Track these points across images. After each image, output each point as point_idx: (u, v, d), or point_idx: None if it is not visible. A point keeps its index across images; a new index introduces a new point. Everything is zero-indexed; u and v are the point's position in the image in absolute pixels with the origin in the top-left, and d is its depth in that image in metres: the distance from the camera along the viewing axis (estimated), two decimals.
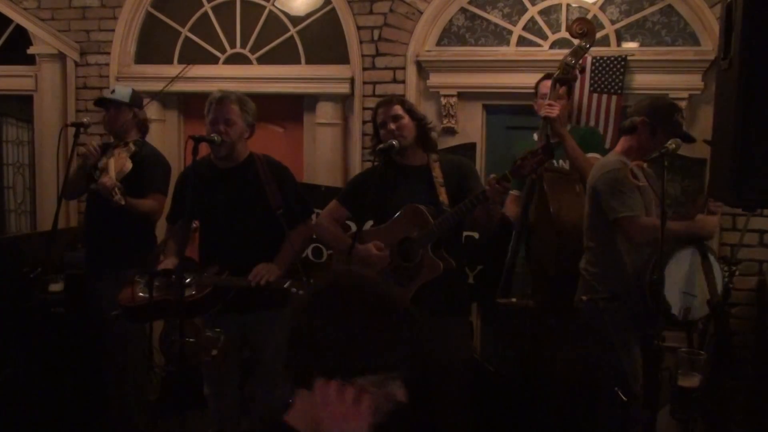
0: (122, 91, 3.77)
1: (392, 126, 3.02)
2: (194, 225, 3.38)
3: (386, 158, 3.05)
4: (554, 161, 3.54)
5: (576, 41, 3.53)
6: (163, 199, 3.66)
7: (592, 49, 3.63)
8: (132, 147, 3.63)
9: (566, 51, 4.06)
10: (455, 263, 2.97)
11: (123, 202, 3.33)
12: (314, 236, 3.47)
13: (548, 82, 3.64)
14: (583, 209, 3.15)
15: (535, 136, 3.70)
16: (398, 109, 3.03)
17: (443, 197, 2.97)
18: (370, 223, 3.20)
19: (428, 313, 2.95)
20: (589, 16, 4.08)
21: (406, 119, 3.03)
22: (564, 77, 3.46)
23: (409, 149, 3.06)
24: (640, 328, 2.99)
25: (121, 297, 3.18)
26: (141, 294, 3.10)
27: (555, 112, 3.39)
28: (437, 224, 2.90)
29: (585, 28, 3.49)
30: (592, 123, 3.93)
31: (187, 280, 3.08)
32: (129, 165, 3.52)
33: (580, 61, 3.59)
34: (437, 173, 3.02)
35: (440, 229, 2.90)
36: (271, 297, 3.20)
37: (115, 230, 3.56)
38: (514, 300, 3.32)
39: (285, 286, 3.00)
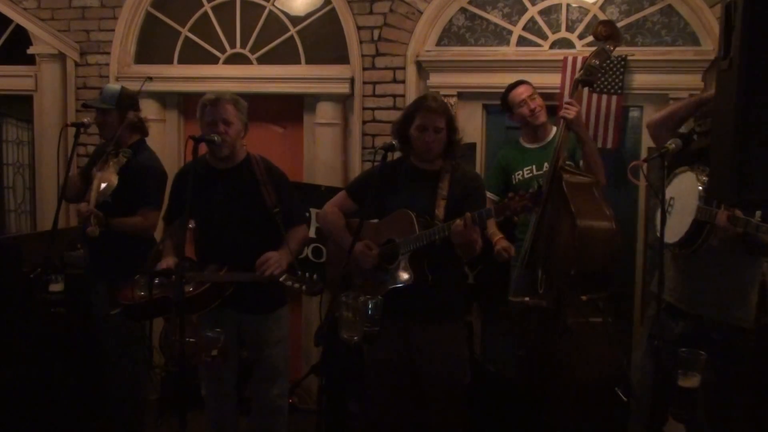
0: (109, 93, 3.62)
1: (431, 137, 2.94)
2: (191, 225, 3.38)
3: (401, 155, 3.03)
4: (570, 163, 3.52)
5: (602, 44, 3.50)
6: (156, 214, 3.58)
7: (591, 49, 3.63)
8: (122, 159, 3.54)
9: (566, 51, 4.08)
10: (443, 278, 2.93)
11: (96, 234, 3.32)
12: (318, 224, 3.45)
13: (521, 89, 3.63)
14: (602, 213, 3.13)
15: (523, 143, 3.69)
16: (442, 123, 2.95)
17: (439, 210, 2.93)
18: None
19: (422, 320, 2.97)
20: (589, 16, 4.08)
21: (443, 133, 2.96)
22: (587, 79, 3.44)
23: (427, 159, 3.03)
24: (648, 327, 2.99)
25: (121, 296, 3.19)
26: (140, 293, 3.11)
27: (572, 112, 3.35)
28: (416, 237, 2.87)
29: (610, 31, 3.48)
30: (592, 123, 3.92)
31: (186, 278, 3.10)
32: (114, 181, 3.46)
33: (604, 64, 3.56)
34: (443, 184, 2.97)
35: (417, 242, 2.87)
36: (269, 299, 3.21)
37: (114, 239, 3.51)
38: (527, 299, 3.30)
39: (281, 279, 3.02)
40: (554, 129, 3.69)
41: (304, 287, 2.99)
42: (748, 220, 2.49)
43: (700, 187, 2.68)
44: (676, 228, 2.72)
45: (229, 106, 3.13)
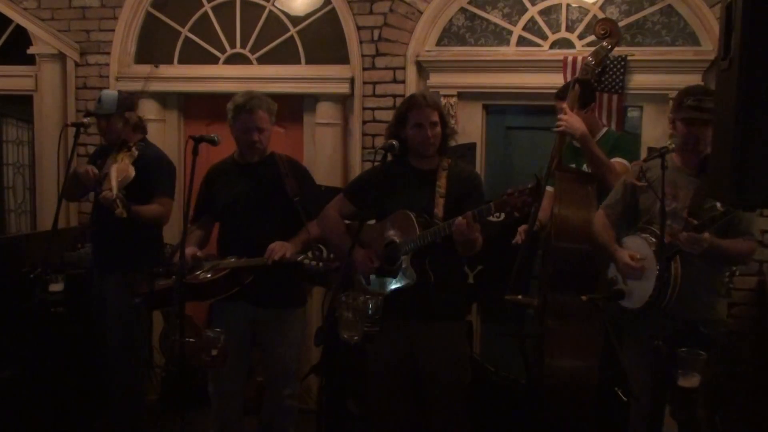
0: (108, 99, 3.67)
1: (430, 132, 2.95)
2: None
3: (397, 156, 3.03)
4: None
5: (600, 42, 3.47)
6: (170, 202, 3.67)
7: (591, 49, 3.62)
8: (135, 152, 3.61)
9: (566, 51, 4.08)
10: (444, 277, 2.93)
11: (125, 215, 3.35)
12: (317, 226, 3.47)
13: (560, 104, 3.58)
14: (592, 210, 3.14)
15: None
16: (436, 117, 2.98)
17: (438, 209, 2.93)
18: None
19: (423, 319, 2.96)
20: (589, 16, 4.08)
21: (439, 128, 2.99)
22: (583, 78, 3.41)
23: (428, 155, 3.03)
24: (641, 328, 2.99)
25: (139, 286, 3.27)
26: (159, 282, 3.21)
27: (561, 125, 3.30)
28: (417, 237, 2.86)
29: (608, 29, 3.45)
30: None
31: (205, 269, 3.20)
32: (132, 172, 3.51)
33: (602, 62, 3.52)
34: (441, 182, 2.98)
35: (418, 242, 2.86)
36: (287, 294, 3.24)
37: (122, 233, 3.53)
38: (519, 297, 3.30)
39: (298, 259, 3.08)
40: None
41: (321, 264, 3.05)
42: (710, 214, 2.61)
43: (653, 248, 2.79)
44: (639, 293, 2.83)
45: (262, 113, 3.23)
